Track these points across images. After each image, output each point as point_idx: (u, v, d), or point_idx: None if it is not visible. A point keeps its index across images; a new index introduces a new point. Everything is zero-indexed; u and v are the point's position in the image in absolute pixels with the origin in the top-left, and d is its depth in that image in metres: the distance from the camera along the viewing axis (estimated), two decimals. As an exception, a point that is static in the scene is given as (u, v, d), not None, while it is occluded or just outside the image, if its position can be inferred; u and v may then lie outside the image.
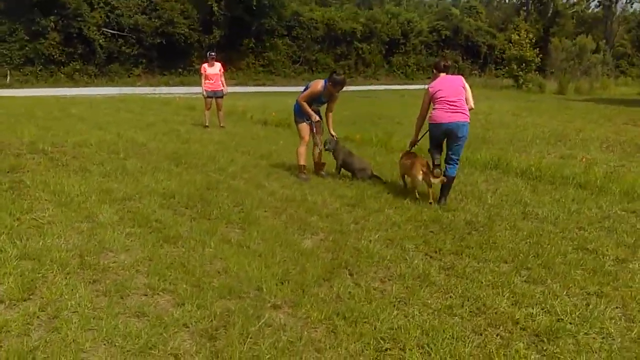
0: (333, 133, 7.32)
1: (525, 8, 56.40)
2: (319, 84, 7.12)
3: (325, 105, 7.37)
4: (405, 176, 6.66)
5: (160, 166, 7.60)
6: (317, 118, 7.22)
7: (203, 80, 12.64)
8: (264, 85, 35.96)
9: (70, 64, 30.80)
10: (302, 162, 7.23)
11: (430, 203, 5.95)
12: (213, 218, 5.26)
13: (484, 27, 53.22)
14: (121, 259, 4.16)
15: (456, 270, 4.08)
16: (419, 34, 49.07)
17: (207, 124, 12.51)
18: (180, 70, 35.45)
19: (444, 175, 6.04)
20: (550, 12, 57.94)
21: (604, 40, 50.98)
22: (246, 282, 3.75)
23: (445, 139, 6.09)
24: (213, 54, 12.94)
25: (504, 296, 3.63)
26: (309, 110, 7.15)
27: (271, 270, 3.94)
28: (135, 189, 6.23)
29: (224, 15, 35.76)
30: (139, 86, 29.94)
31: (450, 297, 3.63)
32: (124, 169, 7.36)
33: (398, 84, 40.84)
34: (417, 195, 6.17)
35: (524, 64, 33.40)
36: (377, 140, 10.28)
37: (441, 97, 5.93)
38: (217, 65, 12.75)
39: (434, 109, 6.03)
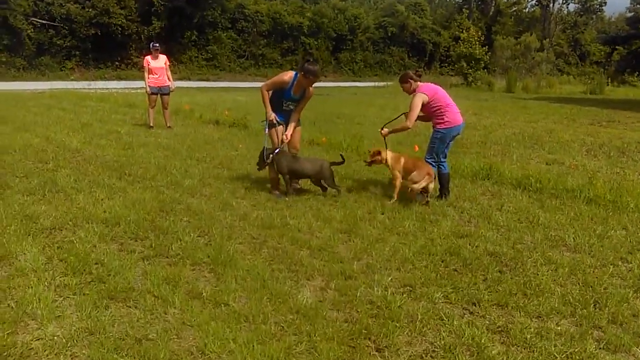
0: (288, 136, 5.99)
1: (467, 6, 56.99)
2: (287, 74, 5.94)
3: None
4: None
5: (98, 180, 6.26)
6: (273, 116, 5.92)
7: (146, 75, 11.17)
8: (207, 80, 34.33)
9: (-5, 56, 28.20)
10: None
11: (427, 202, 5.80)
12: (173, 256, 4.04)
13: (429, 25, 53.20)
14: (48, 333, 2.90)
15: (513, 335, 3.05)
16: (365, 30, 48.44)
17: (151, 125, 11.09)
18: (117, 63, 33.35)
19: (443, 173, 6.10)
20: (492, 11, 58.82)
21: (547, 39, 52.02)
22: (235, 373, 2.59)
23: None
24: (157, 45, 11.47)
25: (594, 380, 2.64)
26: (267, 102, 5.91)
27: (268, 348, 2.78)
28: (68, 213, 4.92)
29: (164, 6, 33.82)
30: (73, 80, 27.64)
31: (525, 385, 2.61)
32: (54, 183, 6.01)
33: (346, 82, 40.04)
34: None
35: (473, 62, 33.32)
36: (346, 144, 9.19)
37: (447, 102, 5.92)
38: (162, 58, 11.31)
39: (443, 113, 5.82)
